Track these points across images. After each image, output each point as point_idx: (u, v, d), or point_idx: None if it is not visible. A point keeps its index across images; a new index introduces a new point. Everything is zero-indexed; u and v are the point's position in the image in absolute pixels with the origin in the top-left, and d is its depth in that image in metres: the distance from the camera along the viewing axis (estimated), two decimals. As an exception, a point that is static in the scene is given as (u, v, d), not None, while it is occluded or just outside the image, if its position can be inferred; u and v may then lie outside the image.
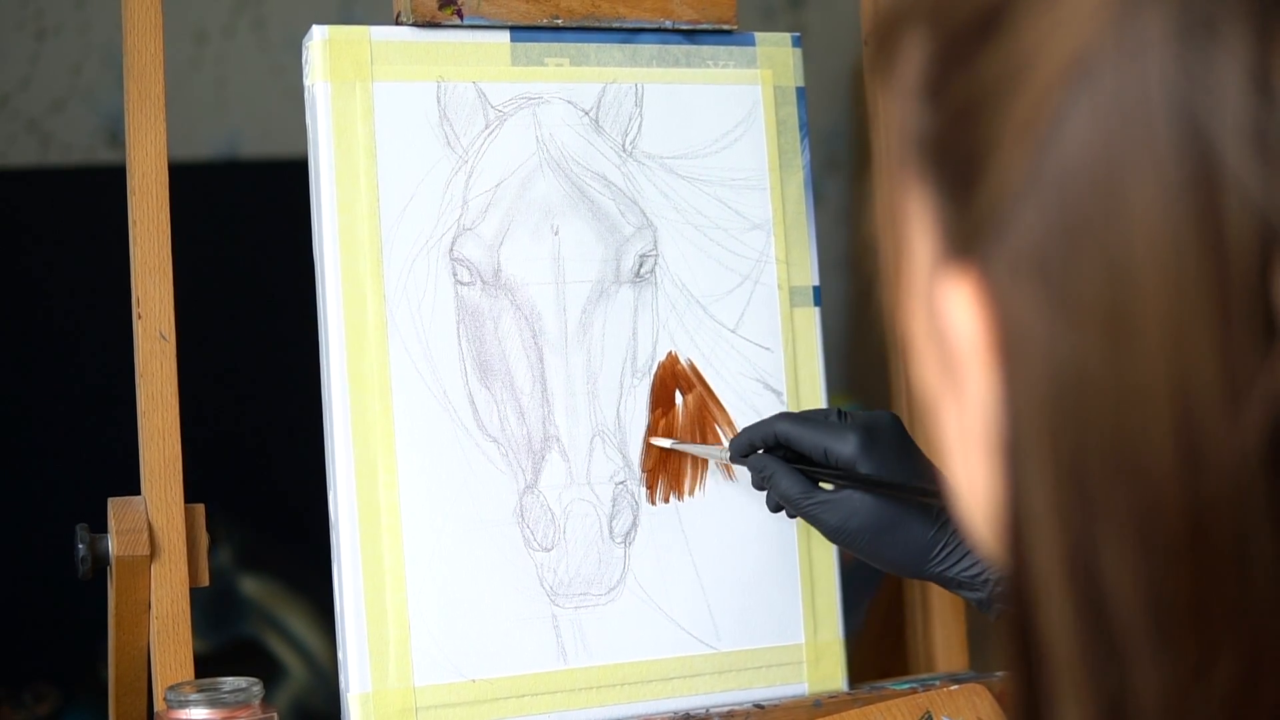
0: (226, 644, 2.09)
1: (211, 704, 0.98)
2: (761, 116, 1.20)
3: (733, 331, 1.17)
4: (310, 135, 1.10)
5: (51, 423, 2.25)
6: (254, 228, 2.31)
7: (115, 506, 1.06)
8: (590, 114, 1.16)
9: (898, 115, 0.49)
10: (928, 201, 0.48)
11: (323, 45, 1.10)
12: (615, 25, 1.17)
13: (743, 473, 1.15)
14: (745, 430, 1.08)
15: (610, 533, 1.13)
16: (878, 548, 1.03)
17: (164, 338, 1.08)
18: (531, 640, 1.10)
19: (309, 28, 1.10)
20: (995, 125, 0.45)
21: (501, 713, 1.09)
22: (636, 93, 1.17)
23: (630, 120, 1.17)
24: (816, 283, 1.21)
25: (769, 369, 1.18)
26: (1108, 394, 0.43)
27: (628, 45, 1.17)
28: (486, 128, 1.13)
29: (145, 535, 1.06)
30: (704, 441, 1.15)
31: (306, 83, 1.10)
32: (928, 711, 1.09)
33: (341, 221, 1.09)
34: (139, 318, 1.08)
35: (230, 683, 1.00)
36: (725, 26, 1.19)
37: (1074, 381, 0.43)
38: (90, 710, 2.11)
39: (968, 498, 0.50)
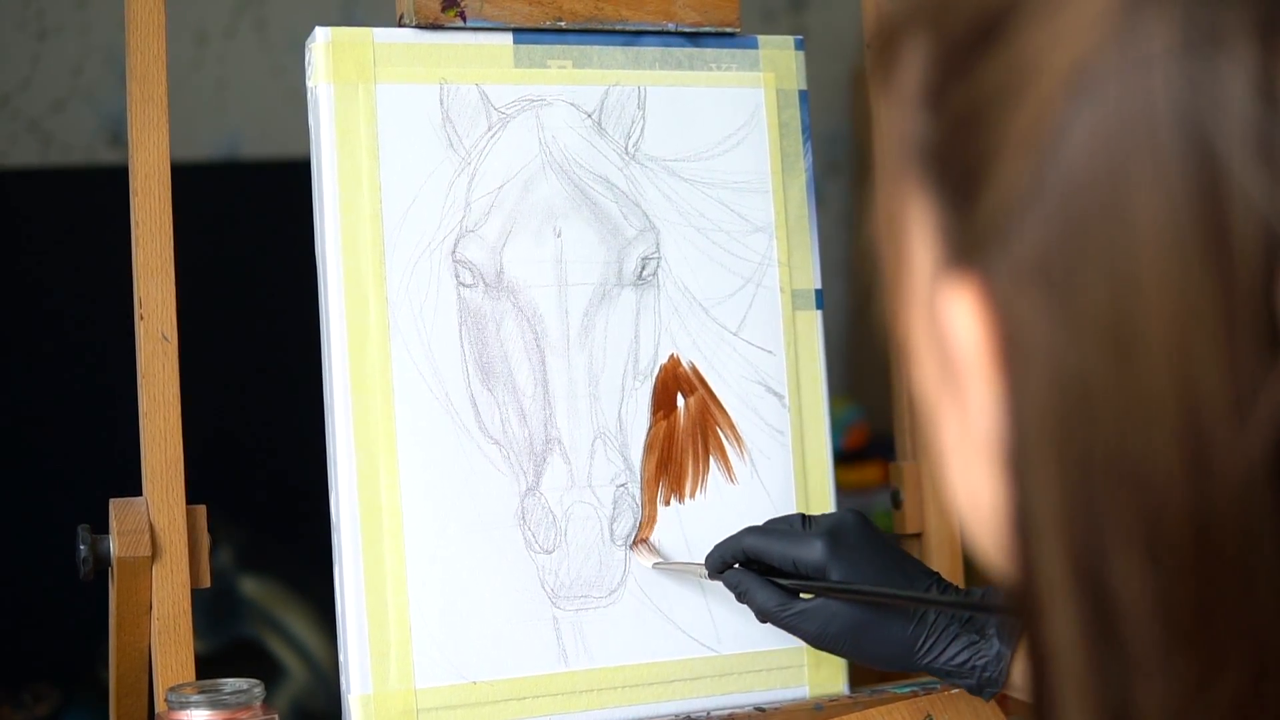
0: (227, 645, 2.09)
1: (213, 705, 0.98)
2: (764, 119, 1.20)
3: (735, 334, 1.17)
4: (313, 137, 1.10)
5: (52, 423, 2.25)
6: (254, 229, 2.31)
7: (117, 507, 1.06)
8: (593, 116, 1.16)
9: (898, 123, 0.49)
10: (929, 210, 0.48)
11: (325, 47, 1.10)
12: (618, 28, 1.17)
13: (745, 476, 1.15)
14: (716, 547, 1.08)
15: (611, 535, 1.13)
16: (861, 649, 1.03)
17: (166, 338, 1.08)
18: (532, 642, 1.10)
19: (310, 29, 1.10)
20: (997, 134, 0.44)
21: (502, 715, 1.09)
22: (639, 95, 1.17)
23: (633, 123, 1.17)
24: (819, 286, 1.21)
25: (771, 372, 1.18)
26: (1112, 403, 0.43)
27: (630, 48, 1.17)
28: (489, 130, 1.13)
29: (147, 536, 1.06)
30: (707, 440, 1.15)
31: (309, 84, 1.10)
32: (928, 715, 1.09)
33: (344, 223, 1.09)
34: (141, 318, 1.08)
35: (231, 684, 1.00)
36: (728, 29, 1.19)
37: (1078, 390, 0.43)
38: (90, 711, 2.11)
39: (969, 507, 0.50)
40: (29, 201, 2.32)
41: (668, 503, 1.14)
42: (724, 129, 1.19)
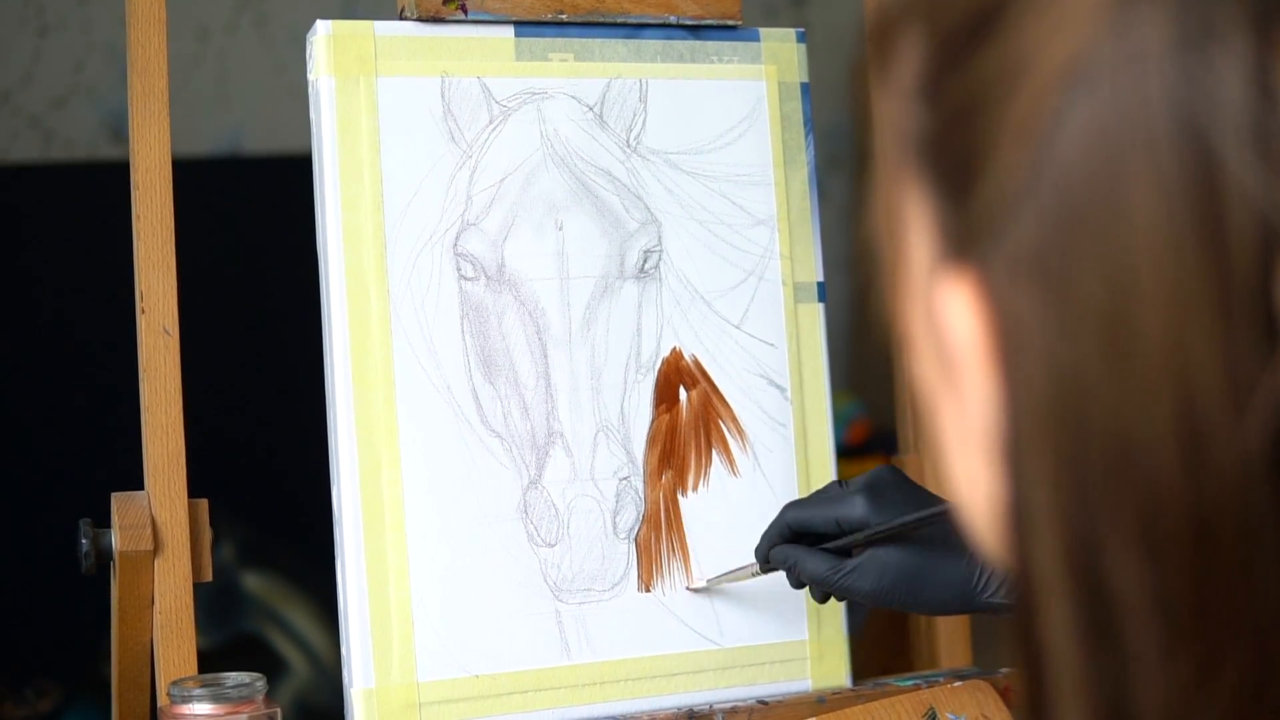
0: (229, 640, 2.09)
1: (215, 699, 0.98)
2: (766, 112, 1.20)
3: (737, 327, 1.17)
4: (314, 130, 1.10)
5: (54, 418, 2.25)
6: (256, 223, 2.31)
7: (119, 501, 1.06)
8: (594, 109, 1.16)
9: (894, 115, 0.49)
10: (925, 202, 0.48)
11: (327, 40, 1.09)
12: (620, 20, 1.17)
13: (747, 469, 1.15)
14: (762, 536, 1.08)
15: (614, 528, 1.13)
16: (919, 596, 1.02)
17: (168, 333, 1.08)
18: (535, 636, 1.10)
19: (311, 23, 1.10)
20: (993, 126, 0.44)
21: (505, 708, 1.09)
22: (641, 88, 1.17)
23: (634, 115, 1.17)
24: (821, 279, 1.21)
25: (773, 365, 1.18)
26: (1108, 396, 0.42)
27: (632, 40, 1.17)
28: (490, 123, 1.13)
29: (148, 530, 1.06)
30: (709, 433, 1.15)
31: (310, 78, 1.10)
32: (931, 708, 1.09)
33: (345, 217, 1.09)
34: (143, 313, 1.08)
35: (233, 678, 1.00)
36: (730, 22, 1.19)
37: (1074, 383, 0.43)
38: (92, 706, 2.11)
39: (969, 499, 0.49)
40: (30, 197, 2.32)
41: (670, 496, 1.14)
42: (726, 122, 1.19)
